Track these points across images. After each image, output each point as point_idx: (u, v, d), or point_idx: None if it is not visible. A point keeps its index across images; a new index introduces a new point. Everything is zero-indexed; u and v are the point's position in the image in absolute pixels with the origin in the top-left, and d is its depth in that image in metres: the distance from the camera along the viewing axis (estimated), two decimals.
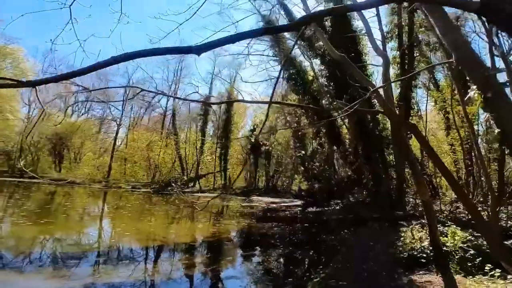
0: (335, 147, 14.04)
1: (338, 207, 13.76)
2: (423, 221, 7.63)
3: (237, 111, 37.93)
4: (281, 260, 6.28)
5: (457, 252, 5.11)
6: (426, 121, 14.00)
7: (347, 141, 14.24)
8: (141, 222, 11.90)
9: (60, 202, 15.57)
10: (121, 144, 44.88)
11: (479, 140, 11.80)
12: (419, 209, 9.83)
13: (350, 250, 6.09)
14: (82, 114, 43.68)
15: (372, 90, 5.32)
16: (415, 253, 5.13)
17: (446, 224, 6.06)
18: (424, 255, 5.05)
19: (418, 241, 5.58)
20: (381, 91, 7.03)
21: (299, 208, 15.90)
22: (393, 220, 8.08)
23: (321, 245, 7.07)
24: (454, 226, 5.81)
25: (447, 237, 5.56)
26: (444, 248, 5.09)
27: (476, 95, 2.82)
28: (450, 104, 10.71)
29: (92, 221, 10.75)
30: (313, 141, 22.13)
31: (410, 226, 6.73)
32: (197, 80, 51.05)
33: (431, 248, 5.12)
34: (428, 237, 5.36)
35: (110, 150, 39.23)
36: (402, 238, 6.02)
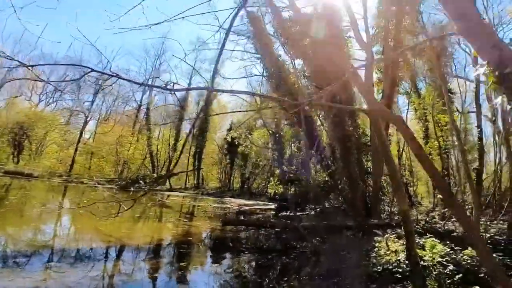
0: (313, 151, 13.51)
1: (312, 213, 13.23)
2: (399, 230, 7.15)
3: (215, 110, 36.83)
4: (243, 268, 5.47)
5: (435, 267, 4.63)
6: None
7: (325, 145, 13.82)
8: (94, 220, 10.65)
9: (6, 196, 13.81)
10: (90, 137, 42.44)
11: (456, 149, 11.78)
12: (395, 218, 9.43)
13: (321, 261, 5.41)
14: (49, 104, 40.84)
15: (352, 69, 4.70)
16: (390, 267, 4.60)
17: (425, 236, 5.56)
18: (400, 270, 4.53)
19: (394, 254, 5.01)
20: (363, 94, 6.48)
21: (273, 212, 15.22)
22: (368, 229, 7.54)
23: (290, 253, 6.34)
24: (433, 238, 5.32)
25: (425, 250, 5.09)
26: (422, 263, 4.59)
27: (487, 72, 2.20)
28: (431, 112, 10.50)
29: (42, 218, 9.36)
30: (292, 144, 21.72)
31: (385, 236, 6.18)
32: (177, 75, 49.25)
33: (407, 262, 4.61)
34: (405, 250, 4.82)
35: (75, 143, 36.82)
36: (376, 249, 5.44)
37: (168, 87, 5.12)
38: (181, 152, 26.19)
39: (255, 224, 8.01)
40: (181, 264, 5.56)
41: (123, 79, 4.48)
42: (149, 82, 38.02)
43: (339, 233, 7.61)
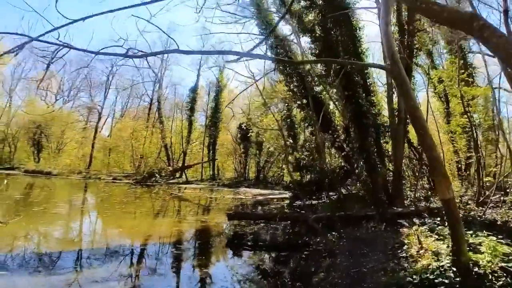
0: (326, 135, 12.54)
1: (328, 201, 12.41)
2: (428, 220, 6.24)
3: (227, 98, 36.01)
4: (244, 271, 4.80)
5: (497, 277, 3.34)
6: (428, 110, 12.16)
7: (339, 127, 12.82)
8: (100, 215, 10.39)
9: (23, 195, 13.89)
10: (109, 134, 43.10)
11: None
12: (421, 205, 8.46)
13: (337, 263, 4.63)
14: (66, 103, 41.55)
15: None
16: (431, 276, 3.41)
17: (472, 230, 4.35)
18: (446, 281, 3.30)
19: (432, 256, 3.89)
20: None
21: (288, 201, 14.51)
22: (391, 219, 6.66)
23: (302, 251, 5.61)
24: (487, 235, 4.07)
25: (480, 252, 3.75)
26: (476, 270, 3.44)
27: None
28: (457, 83, 9.21)
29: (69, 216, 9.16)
30: (305, 130, 20.71)
31: (414, 228, 5.29)
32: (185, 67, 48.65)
33: (455, 269, 3.44)
34: (448, 251, 3.78)
35: (90, 140, 37.40)
36: (406, 247, 4.55)
37: (129, 53, 4.35)
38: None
39: (264, 217, 7.30)
40: (173, 266, 4.98)
41: (74, 48, 3.79)
42: (159, 74, 37.69)
43: (358, 225, 6.78)
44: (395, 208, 7.80)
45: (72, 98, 41.17)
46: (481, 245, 3.88)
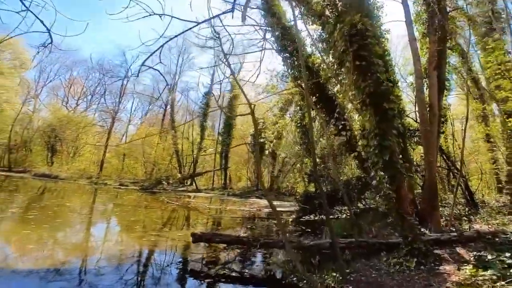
0: (339, 138, 10.55)
1: (344, 216, 10.35)
2: (483, 253, 4.14)
3: (241, 104, 34.62)
4: None
5: None
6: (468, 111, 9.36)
7: (357, 132, 10.85)
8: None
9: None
10: (125, 140, 43.15)
11: None
12: (464, 228, 6.27)
13: None
14: (87, 109, 42.15)
15: None
16: None
17: None
18: None
19: None
20: None
21: (294, 216, 12.50)
22: (424, 250, 4.58)
23: None
24: None
25: None
26: None
27: None
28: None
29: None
30: (320, 138, 18.78)
31: (468, 270, 3.25)
32: (199, 71, 48.02)
33: None
34: None
35: (110, 145, 37.28)
36: None
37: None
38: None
39: (239, 241, 5.40)
40: None
41: None
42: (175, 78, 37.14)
43: (376, 256, 4.76)
44: (429, 233, 5.69)
45: (91, 104, 41.86)
46: None
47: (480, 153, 13.37)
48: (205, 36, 5.19)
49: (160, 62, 3.92)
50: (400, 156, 6.62)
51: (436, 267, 4.25)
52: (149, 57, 3.80)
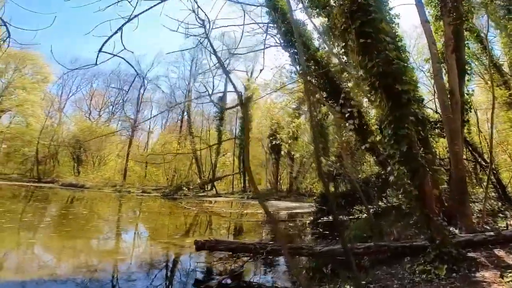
0: (355, 134, 9.93)
1: (364, 215, 9.72)
2: None
3: (256, 106, 34.35)
4: None
5: None
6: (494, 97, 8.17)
7: (374, 127, 10.18)
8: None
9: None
10: (146, 148, 44.35)
11: None
12: (499, 226, 5.56)
13: None
14: (109, 119, 43.69)
15: None
16: None
17: None
18: None
19: None
20: None
21: (311, 218, 11.97)
22: (456, 253, 4.01)
23: None
24: None
25: None
26: None
27: None
28: None
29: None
30: (336, 135, 18.06)
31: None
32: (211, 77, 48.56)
33: None
34: None
35: (133, 154, 38.33)
36: None
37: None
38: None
39: (246, 249, 4.98)
40: None
41: None
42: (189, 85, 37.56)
43: (398, 262, 4.23)
44: (460, 233, 5.06)
45: (114, 114, 43.33)
46: None
47: (509, 143, 12.18)
48: (188, 23, 4.84)
49: (125, 49, 3.57)
50: (421, 147, 6.02)
51: (472, 274, 3.66)
52: (107, 40, 3.44)
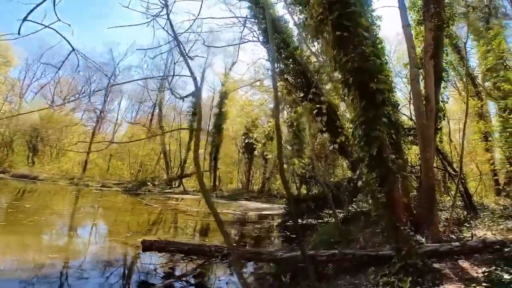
0: (328, 135, 9.74)
1: (333, 220, 9.55)
2: (494, 268, 3.35)
3: (231, 104, 33.65)
4: None
5: None
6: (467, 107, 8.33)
7: (348, 129, 10.06)
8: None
9: None
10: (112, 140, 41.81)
11: None
12: (465, 236, 5.50)
13: None
14: (74, 108, 40.68)
15: None
16: None
17: None
18: None
19: None
20: None
21: (280, 220, 11.66)
22: (421, 264, 3.78)
23: None
24: None
25: None
26: None
27: None
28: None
29: None
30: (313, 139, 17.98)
31: None
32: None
33: None
34: None
35: (97, 146, 35.99)
36: None
37: None
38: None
39: (197, 251, 4.49)
40: None
41: None
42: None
43: (363, 272, 3.93)
44: (426, 242, 4.90)
45: (79, 104, 40.45)
46: None
47: (477, 154, 12.76)
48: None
49: (59, 20, 2.96)
50: (393, 152, 5.83)
51: (436, 287, 3.45)
52: (36, 7, 2.83)
